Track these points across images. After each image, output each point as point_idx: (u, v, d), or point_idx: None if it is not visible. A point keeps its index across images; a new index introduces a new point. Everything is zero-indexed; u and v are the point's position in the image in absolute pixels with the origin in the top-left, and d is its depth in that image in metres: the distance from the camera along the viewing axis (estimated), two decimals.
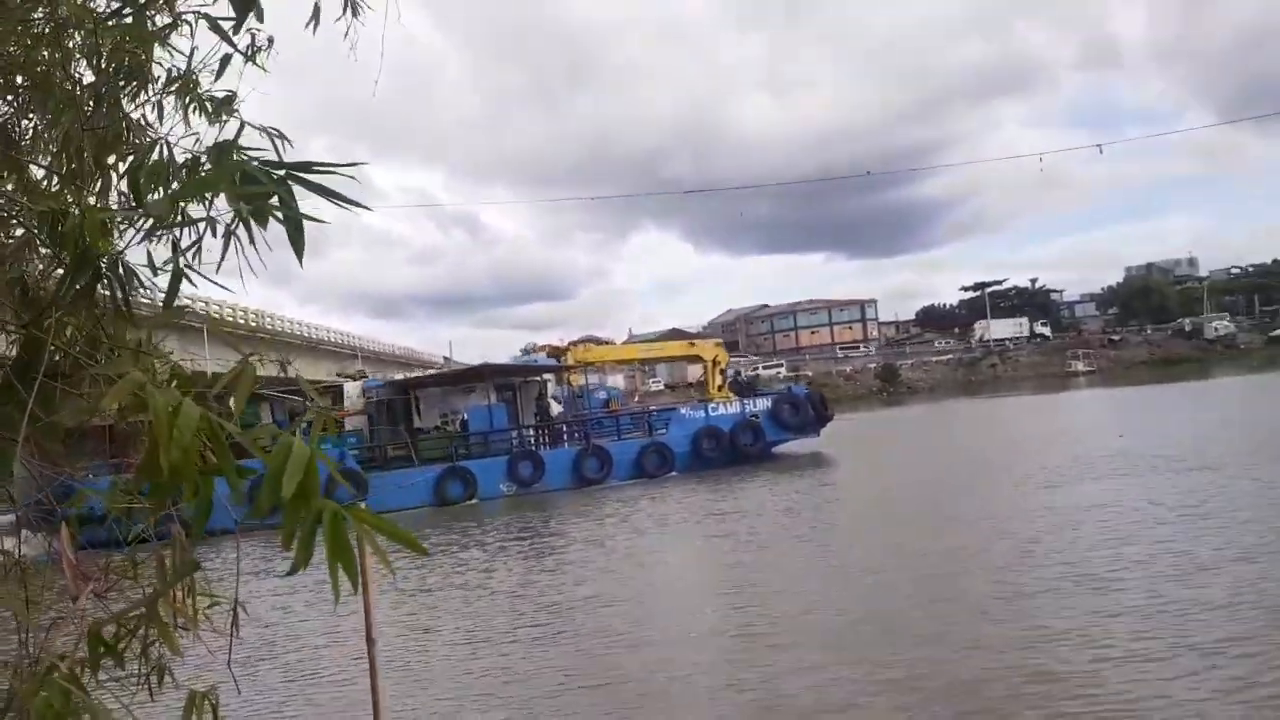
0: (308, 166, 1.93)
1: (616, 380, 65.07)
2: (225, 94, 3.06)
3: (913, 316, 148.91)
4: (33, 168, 2.83)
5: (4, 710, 2.11)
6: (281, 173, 1.91)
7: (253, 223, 1.92)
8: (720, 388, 38.25)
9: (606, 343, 65.86)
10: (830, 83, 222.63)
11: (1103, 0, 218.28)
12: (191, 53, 2.90)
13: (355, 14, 3.10)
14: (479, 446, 33.18)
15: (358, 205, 1.96)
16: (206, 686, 2.35)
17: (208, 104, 3.03)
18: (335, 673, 12.06)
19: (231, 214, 2.00)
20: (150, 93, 2.93)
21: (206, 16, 2.66)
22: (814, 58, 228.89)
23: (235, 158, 2.02)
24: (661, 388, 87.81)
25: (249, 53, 2.89)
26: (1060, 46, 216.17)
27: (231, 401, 2.09)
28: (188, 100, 3.00)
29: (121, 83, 2.81)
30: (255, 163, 1.93)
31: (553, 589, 16.41)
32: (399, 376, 38.01)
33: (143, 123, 2.92)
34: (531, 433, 34.46)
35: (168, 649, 2.31)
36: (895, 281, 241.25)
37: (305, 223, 1.92)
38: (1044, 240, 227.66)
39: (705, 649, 11.55)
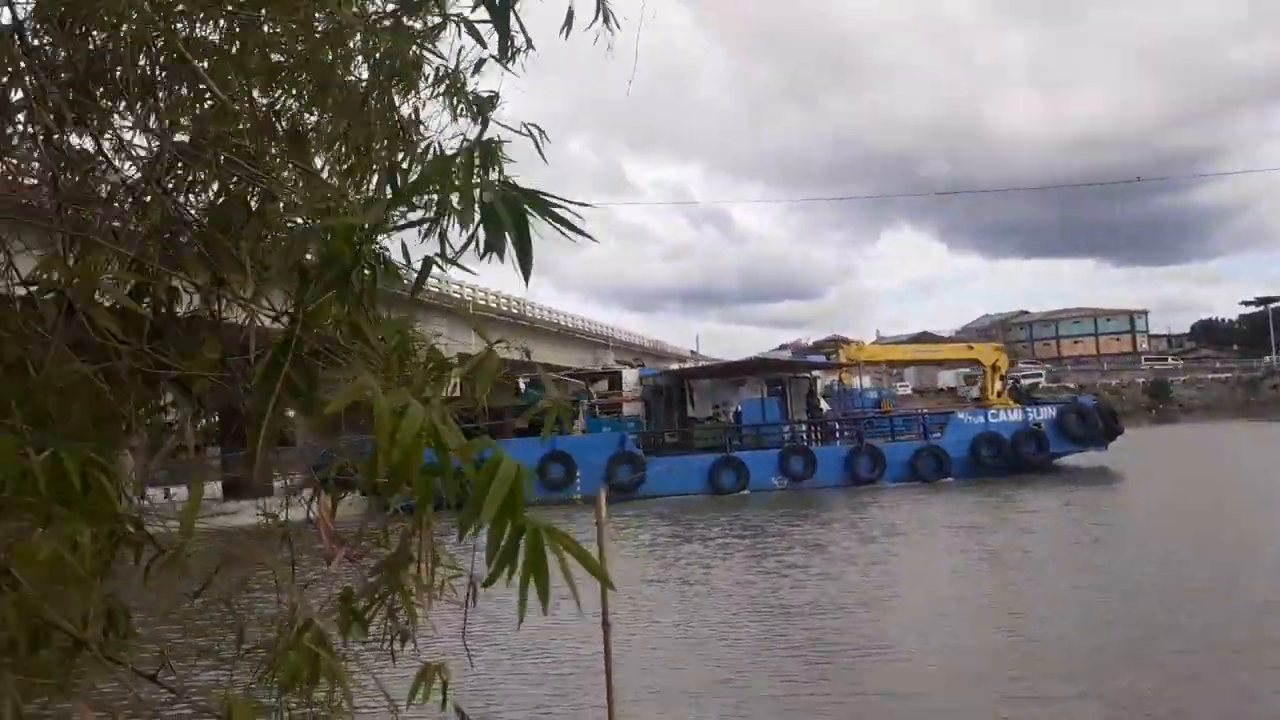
0: (540, 201, 1.92)
1: (864, 382, 63.74)
2: (488, 94, 3.07)
3: (1186, 330, 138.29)
4: (316, 160, 2.87)
5: (265, 660, 2.14)
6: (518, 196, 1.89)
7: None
8: (1000, 394, 37.02)
9: (853, 343, 64.87)
10: (1098, 83, 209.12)
11: None
12: (459, 52, 2.91)
13: (606, 22, 2.99)
14: (752, 438, 33.59)
15: (587, 236, 1.98)
16: (439, 658, 2.38)
17: (472, 103, 3.06)
18: (564, 654, 12.11)
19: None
20: (419, 91, 2.96)
21: (466, 21, 2.69)
22: (1081, 57, 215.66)
23: (476, 164, 2.02)
24: (909, 392, 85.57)
25: (508, 54, 2.86)
26: None
27: (477, 389, 2.13)
28: (454, 99, 3.04)
29: (394, 81, 2.85)
30: (497, 186, 1.91)
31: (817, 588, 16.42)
32: (674, 367, 38.95)
33: (413, 119, 2.98)
34: (804, 428, 34.55)
35: (407, 616, 2.36)
36: (1167, 293, 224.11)
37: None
38: None
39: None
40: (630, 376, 36.94)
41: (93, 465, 1.96)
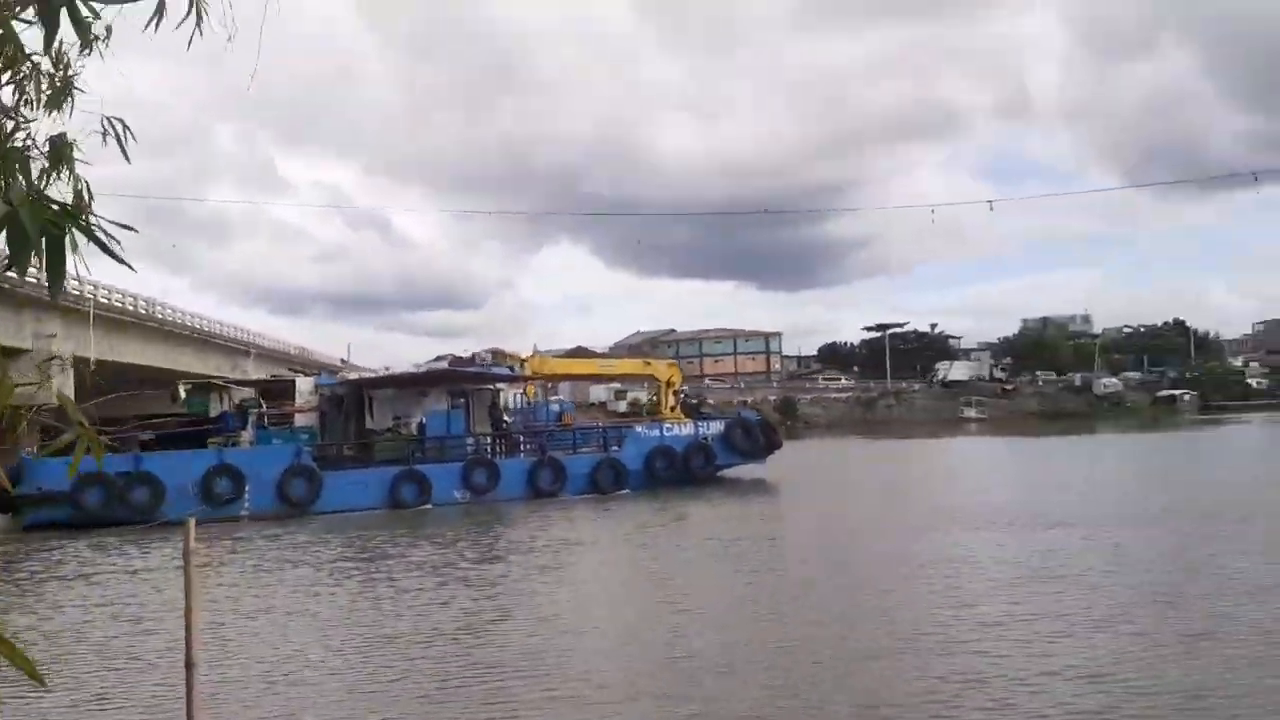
0: (76, 218, 2.03)
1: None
2: (61, 83, 2.83)
3: (814, 352, 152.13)
4: None
5: None
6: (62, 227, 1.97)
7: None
8: (673, 408, 38.92)
9: (512, 355, 65.81)
10: (749, 113, 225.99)
11: (1020, 54, 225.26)
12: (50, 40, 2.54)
13: (199, 21, 2.79)
14: (435, 451, 33.12)
15: (124, 264, 2.16)
16: None
17: (44, 89, 2.79)
18: (139, 699, 11.38)
19: None
20: None
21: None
22: (734, 88, 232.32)
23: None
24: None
25: (86, 40, 2.68)
26: (977, 95, 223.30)
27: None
28: (23, 88, 2.77)
29: None
30: (31, 197, 1.96)
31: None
32: (353, 375, 37.55)
33: None
34: (488, 441, 34.52)
35: None
36: (800, 316, 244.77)
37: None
38: (945, 286, 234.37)
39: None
40: (305, 385, 35.26)
41: None
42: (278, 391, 34.91)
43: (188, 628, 5.24)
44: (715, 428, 36.44)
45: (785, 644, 12.67)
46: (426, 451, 33.07)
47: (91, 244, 2.07)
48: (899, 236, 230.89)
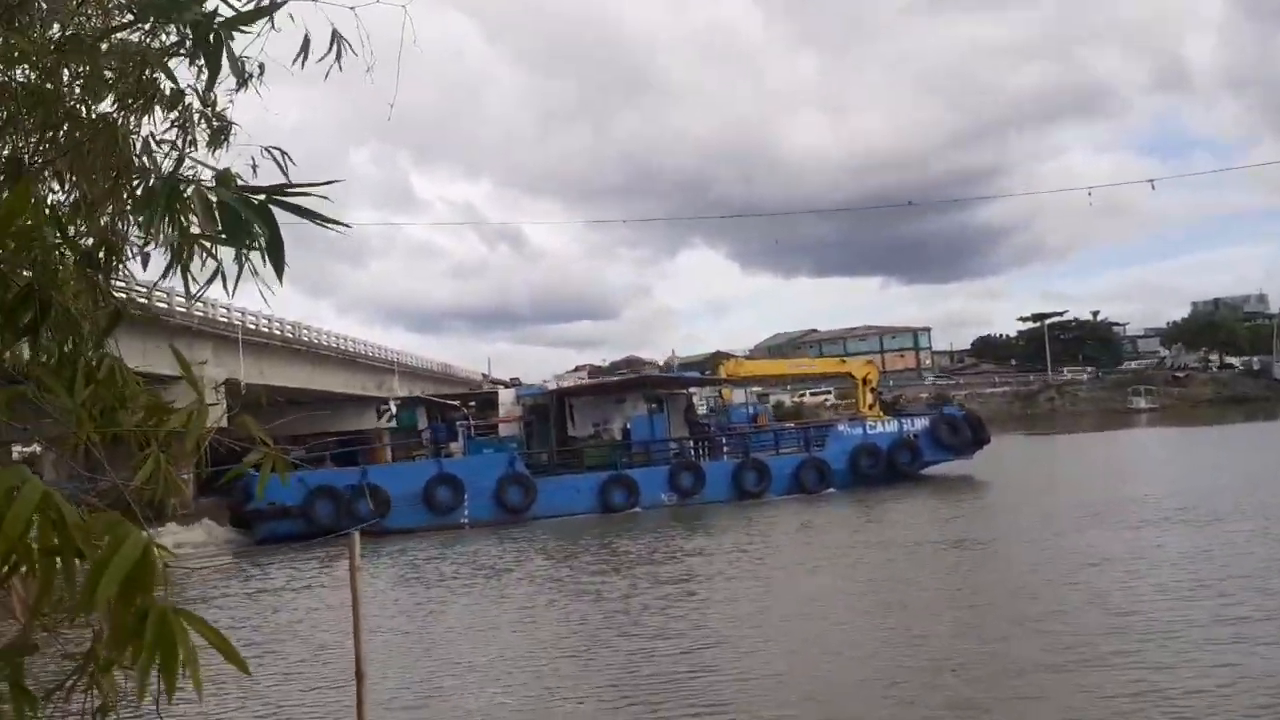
0: (283, 189, 2.00)
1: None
2: (220, 123, 2.92)
3: (968, 346, 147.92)
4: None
5: None
6: (261, 197, 1.97)
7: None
8: (871, 406, 38.41)
9: (650, 363, 66.14)
10: (883, 105, 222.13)
11: (1178, 23, 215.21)
12: (198, 74, 2.66)
13: (340, 57, 2.82)
14: (640, 456, 33.40)
15: (339, 224, 2.06)
16: None
17: (203, 130, 2.88)
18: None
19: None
20: (153, 115, 2.76)
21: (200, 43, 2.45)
22: (867, 80, 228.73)
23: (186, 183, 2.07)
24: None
25: (241, 81, 2.72)
26: (1131, 70, 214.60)
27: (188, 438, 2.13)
28: (186, 127, 2.85)
29: (131, 103, 2.66)
30: (233, 190, 1.97)
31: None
32: (551, 386, 38.29)
33: (151, 146, 2.78)
34: (691, 444, 34.69)
35: (104, 692, 2.24)
36: (950, 309, 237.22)
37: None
38: (1106, 271, 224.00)
39: None
40: (507, 396, 36.17)
41: None
42: (481, 403, 35.77)
43: (356, 639, 5.34)
44: (921, 424, 35.81)
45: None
46: (632, 456, 33.36)
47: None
48: (1054, 221, 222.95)
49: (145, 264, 2.52)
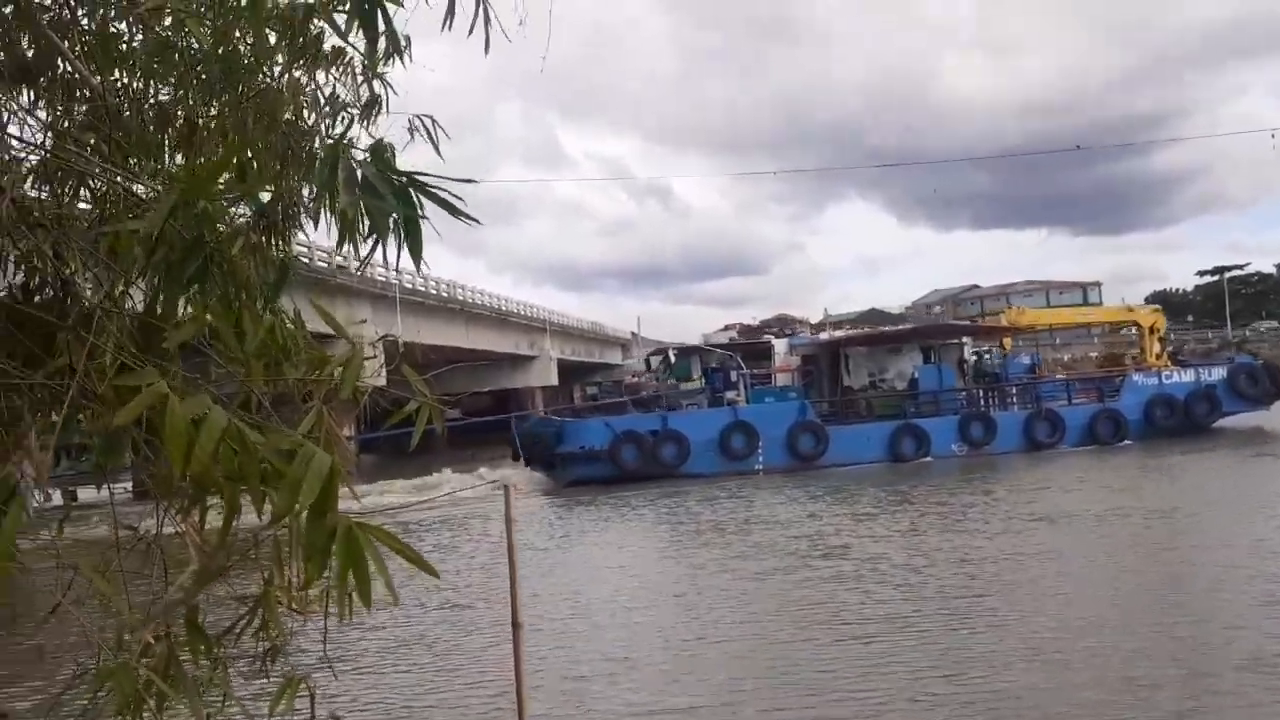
0: (418, 182, 2.01)
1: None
2: (370, 96, 2.96)
3: (1141, 301, 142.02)
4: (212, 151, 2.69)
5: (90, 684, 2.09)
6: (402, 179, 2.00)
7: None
8: (1158, 355, 37.47)
9: (801, 321, 65.12)
10: (1049, 45, 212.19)
11: None
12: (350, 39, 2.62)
13: (488, 22, 2.70)
14: (929, 406, 33.33)
15: (469, 218, 2.06)
16: (304, 672, 2.40)
17: (352, 107, 2.92)
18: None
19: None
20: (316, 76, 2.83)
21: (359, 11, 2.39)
22: (1031, 18, 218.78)
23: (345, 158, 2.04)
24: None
25: (392, 52, 2.72)
26: None
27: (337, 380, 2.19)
28: (337, 106, 2.92)
29: (297, 63, 2.72)
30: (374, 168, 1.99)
31: None
32: (824, 336, 38.50)
33: (317, 101, 2.85)
34: (980, 394, 34.49)
35: (273, 632, 2.33)
36: (1121, 263, 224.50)
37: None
38: None
39: None
40: (781, 346, 36.40)
41: None
42: (756, 353, 36.14)
43: (513, 589, 5.32)
44: (1217, 373, 34.75)
45: None
46: (920, 406, 33.31)
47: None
48: (1234, 168, 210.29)
49: (315, 225, 2.57)
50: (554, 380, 66.86)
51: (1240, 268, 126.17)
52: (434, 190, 2.02)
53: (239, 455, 1.72)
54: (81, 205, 2.50)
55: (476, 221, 2.10)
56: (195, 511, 2.27)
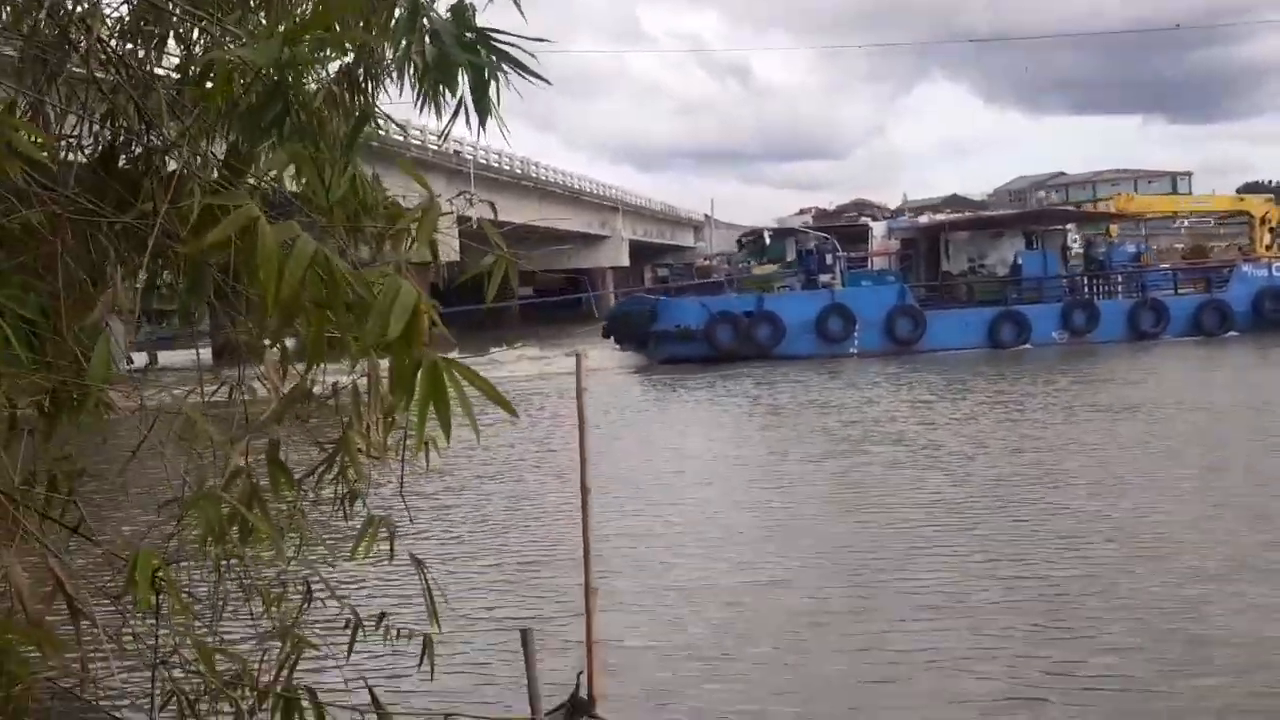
0: (487, 38, 1.96)
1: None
2: None
3: (1233, 193, 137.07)
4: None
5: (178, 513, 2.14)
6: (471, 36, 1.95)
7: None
8: (1269, 246, 36.36)
9: (880, 206, 63.57)
10: None
11: None
12: None
13: None
14: (1031, 293, 32.83)
15: (539, 77, 2.02)
16: (385, 512, 2.44)
17: None
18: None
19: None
20: None
21: None
22: None
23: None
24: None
25: None
26: None
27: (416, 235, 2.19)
28: None
29: None
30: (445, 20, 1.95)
31: None
32: (924, 219, 37.87)
33: None
34: (1083, 282, 33.87)
35: (354, 476, 2.33)
36: (1213, 152, 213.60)
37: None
38: None
39: None
40: (879, 229, 35.95)
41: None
42: (852, 236, 35.73)
43: (582, 455, 5.10)
44: None
45: None
46: (1022, 293, 32.82)
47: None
48: None
49: (401, 89, 2.43)
50: (625, 261, 66.77)
51: None
52: (503, 46, 1.98)
53: (325, 285, 1.73)
54: (159, 71, 2.55)
55: (546, 81, 2.07)
56: (277, 350, 2.38)
